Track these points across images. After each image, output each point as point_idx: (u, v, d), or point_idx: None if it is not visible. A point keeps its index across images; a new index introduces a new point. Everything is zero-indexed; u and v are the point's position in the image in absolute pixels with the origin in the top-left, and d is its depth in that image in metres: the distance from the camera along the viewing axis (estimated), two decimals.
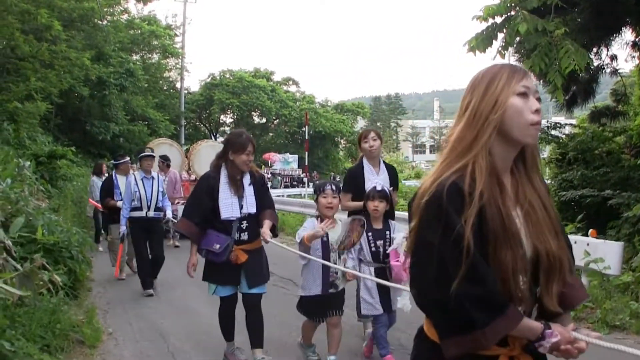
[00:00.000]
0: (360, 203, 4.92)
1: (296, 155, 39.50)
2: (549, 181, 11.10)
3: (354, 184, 5.35)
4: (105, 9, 23.74)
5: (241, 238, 4.63)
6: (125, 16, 28.85)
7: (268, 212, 4.71)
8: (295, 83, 45.74)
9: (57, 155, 13.51)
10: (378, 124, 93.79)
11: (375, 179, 5.13)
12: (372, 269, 4.69)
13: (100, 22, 22.78)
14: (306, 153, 25.07)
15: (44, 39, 16.21)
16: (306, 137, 26.56)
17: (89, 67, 19.10)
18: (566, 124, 12.19)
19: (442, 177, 1.66)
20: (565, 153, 11.17)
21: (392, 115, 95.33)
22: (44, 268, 3.64)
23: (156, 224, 8.08)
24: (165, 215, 8.16)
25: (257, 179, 4.78)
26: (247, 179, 4.70)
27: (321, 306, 4.55)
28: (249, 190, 4.67)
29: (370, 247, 4.72)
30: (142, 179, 7.95)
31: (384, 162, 5.55)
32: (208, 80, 40.70)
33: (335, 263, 4.46)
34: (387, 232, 4.74)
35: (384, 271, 4.67)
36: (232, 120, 42.79)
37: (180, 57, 34.53)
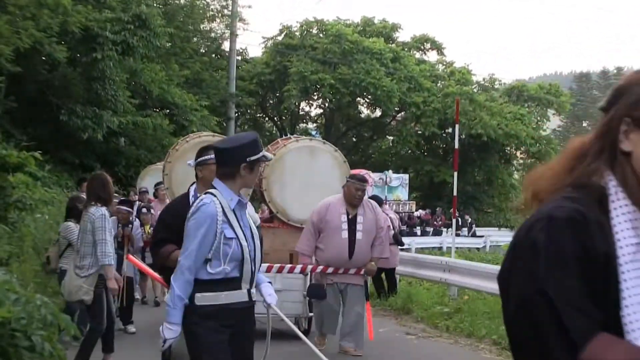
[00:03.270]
0: None
1: (404, 176, 26.60)
2: None
3: None
4: None
5: None
6: None
7: None
8: (438, 47, 31.99)
9: (9, 165, 9.83)
10: (584, 124, 63.31)
11: None
12: None
13: None
14: (455, 173, 15.37)
15: None
16: (455, 146, 16.00)
17: (68, 11, 15.10)
18: None
19: None
20: None
21: None
22: None
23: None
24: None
25: None
26: None
27: None
28: None
29: None
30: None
31: None
32: (279, 38, 28.99)
33: None
34: None
35: None
36: (322, 110, 31.28)
37: None
